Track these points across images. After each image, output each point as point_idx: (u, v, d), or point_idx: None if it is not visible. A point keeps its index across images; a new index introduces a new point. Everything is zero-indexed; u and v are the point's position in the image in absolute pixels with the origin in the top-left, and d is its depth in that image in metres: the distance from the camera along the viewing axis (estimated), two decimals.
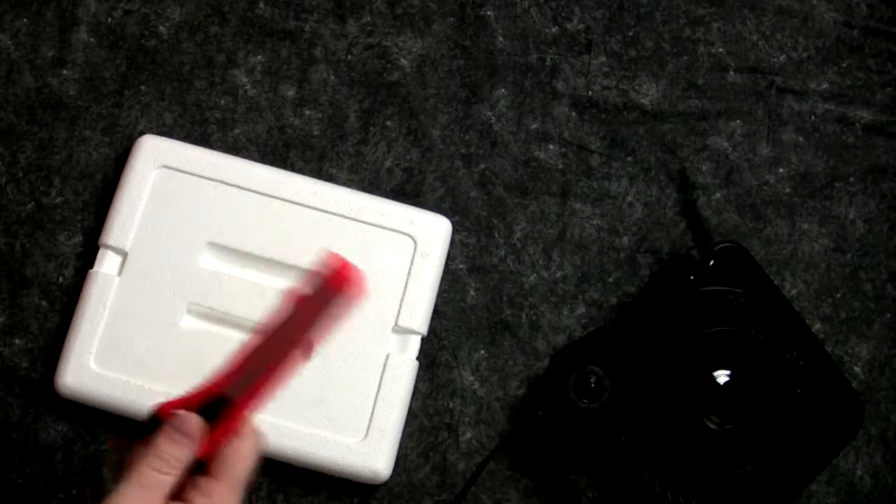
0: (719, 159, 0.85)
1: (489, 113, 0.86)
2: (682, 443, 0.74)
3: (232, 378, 0.49)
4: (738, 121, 0.86)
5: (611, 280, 0.82)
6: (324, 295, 0.50)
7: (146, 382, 0.76)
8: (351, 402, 0.76)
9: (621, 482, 0.77)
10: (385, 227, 0.80)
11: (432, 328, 0.80)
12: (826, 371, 0.75)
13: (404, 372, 0.77)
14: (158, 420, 0.48)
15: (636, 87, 0.87)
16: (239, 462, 0.47)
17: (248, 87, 0.86)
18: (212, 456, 0.49)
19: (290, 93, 0.86)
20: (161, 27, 0.87)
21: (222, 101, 0.85)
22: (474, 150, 0.85)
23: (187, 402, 0.49)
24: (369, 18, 0.87)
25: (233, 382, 0.49)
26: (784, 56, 0.88)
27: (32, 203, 0.82)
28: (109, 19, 0.87)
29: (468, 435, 0.79)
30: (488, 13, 0.88)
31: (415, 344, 0.78)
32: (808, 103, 0.87)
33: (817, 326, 0.82)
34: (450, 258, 0.82)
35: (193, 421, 0.47)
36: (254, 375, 0.50)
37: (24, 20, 0.86)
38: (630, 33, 0.88)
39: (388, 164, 0.84)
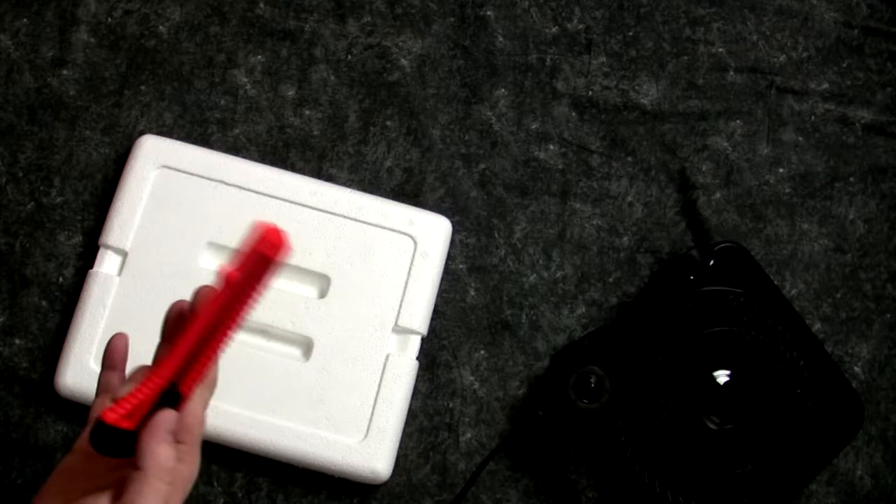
0: (719, 159, 0.85)
1: (489, 113, 0.86)
2: (682, 443, 0.74)
3: (176, 366, 0.51)
4: (738, 121, 0.86)
5: (611, 280, 0.82)
6: (257, 266, 0.51)
7: None
8: (351, 402, 0.76)
9: (621, 482, 0.77)
10: (385, 227, 0.80)
11: (432, 328, 0.80)
12: (826, 371, 0.75)
13: (404, 372, 0.77)
14: (109, 428, 0.49)
15: (636, 87, 0.87)
16: (197, 422, 0.52)
17: (248, 87, 0.86)
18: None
19: (290, 93, 0.86)
20: (161, 27, 0.87)
21: (222, 101, 0.85)
22: (474, 150, 0.85)
23: (140, 404, 0.50)
24: (369, 18, 0.88)
25: (177, 370, 0.50)
26: (784, 56, 0.88)
27: (32, 203, 0.83)
28: (109, 19, 0.87)
29: (468, 435, 0.79)
30: (488, 13, 0.88)
31: (415, 344, 0.78)
32: (808, 103, 0.87)
33: (817, 326, 0.82)
34: (450, 258, 0.82)
35: (170, 417, 0.50)
36: (196, 359, 0.51)
37: (24, 20, 0.86)
38: (630, 33, 0.88)
39: (388, 164, 0.84)
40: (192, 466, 0.52)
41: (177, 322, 0.54)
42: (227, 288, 0.50)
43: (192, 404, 0.52)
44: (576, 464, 0.79)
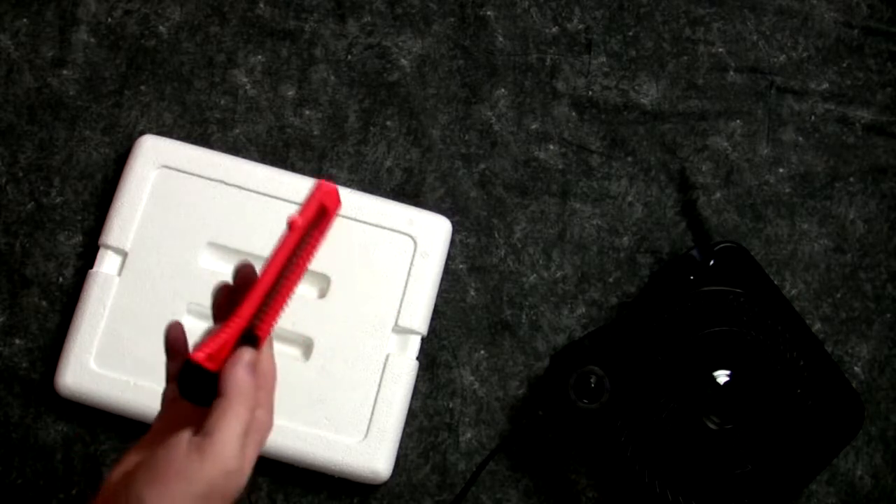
0: (719, 159, 0.85)
1: (489, 113, 0.86)
2: (682, 443, 0.74)
3: (253, 309, 0.54)
4: (738, 121, 0.86)
5: (611, 280, 0.82)
6: (318, 217, 0.57)
7: (146, 382, 0.76)
8: (351, 402, 0.76)
9: (621, 482, 0.77)
10: (385, 227, 0.80)
11: (432, 328, 0.80)
12: (826, 371, 0.75)
13: (404, 372, 0.77)
14: (195, 367, 0.52)
15: (636, 87, 0.87)
16: (271, 372, 0.55)
17: (248, 87, 0.86)
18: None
19: (290, 93, 0.86)
20: (161, 27, 0.87)
21: (222, 101, 0.85)
22: (474, 150, 0.85)
23: (223, 344, 0.53)
24: (369, 18, 0.88)
25: (254, 313, 0.54)
26: (784, 56, 0.88)
27: (32, 203, 0.82)
28: (109, 19, 0.87)
29: (468, 435, 0.79)
30: (488, 13, 0.88)
31: (415, 344, 0.78)
32: (808, 103, 0.87)
33: (817, 326, 0.82)
34: (450, 258, 0.82)
35: (252, 354, 0.53)
36: (270, 303, 0.55)
37: (24, 20, 0.86)
38: (630, 33, 0.88)
39: (388, 164, 0.84)
40: (269, 415, 0.54)
41: (228, 299, 0.57)
42: (294, 234, 0.55)
43: (266, 354, 0.55)
44: (576, 464, 0.79)
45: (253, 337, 0.54)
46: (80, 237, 0.82)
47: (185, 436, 0.51)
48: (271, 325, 0.55)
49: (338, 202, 0.58)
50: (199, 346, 0.53)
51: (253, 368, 0.53)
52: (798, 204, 0.84)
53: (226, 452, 0.50)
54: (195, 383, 0.52)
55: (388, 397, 0.76)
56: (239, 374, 0.52)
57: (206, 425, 0.51)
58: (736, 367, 0.74)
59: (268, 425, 0.54)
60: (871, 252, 0.84)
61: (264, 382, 0.54)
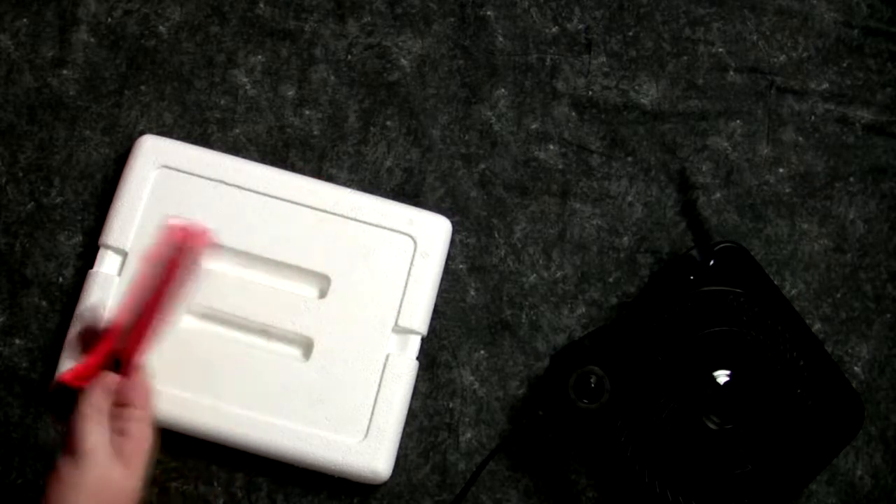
0: (719, 159, 0.85)
1: (489, 113, 0.86)
2: (682, 443, 0.74)
3: (117, 336, 0.64)
4: (738, 121, 0.86)
5: (611, 280, 0.82)
6: (176, 254, 0.64)
7: None
8: (351, 402, 0.76)
9: (621, 482, 0.77)
10: (385, 227, 0.80)
11: (432, 328, 0.80)
12: (826, 371, 0.75)
13: (404, 372, 0.77)
14: (63, 387, 0.63)
15: (636, 87, 0.87)
16: (145, 391, 0.64)
17: (248, 87, 0.86)
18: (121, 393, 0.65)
19: (290, 93, 0.86)
20: (161, 27, 0.87)
21: (222, 101, 0.85)
22: (474, 150, 0.85)
23: (90, 365, 0.64)
24: (369, 18, 0.88)
25: (119, 338, 0.64)
26: (784, 56, 0.88)
27: (32, 203, 0.82)
28: (109, 19, 0.87)
29: (468, 435, 0.79)
30: (488, 13, 0.88)
31: (415, 344, 0.78)
32: (808, 103, 0.87)
33: (817, 326, 0.82)
34: (450, 258, 0.82)
35: (111, 378, 0.63)
36: (134, 329, 0.65)
37: (24, 20, 0.86)
38: (630, 33, 0.88)
39: (388, 164, 0.84)
40: (145, 429, 0.63)
41: (88, 335, 0.66)
42: (146, 268, 0.64)
43: (139, 376, 0.65)
44: (576, 464, 0.79)
45: (118, 363, 0.65)
46: (80, 237, 0.82)
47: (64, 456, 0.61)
48: (136, 351, 0.65)
49: (202, 241, 0.65)
50: (69, 371, 0.64)
51: (108, 390, 0.62)
52: (798, 204, 0.84)
53: (97, 459, 0.60)
54: (61, 399, 0.64)
55: (388, 397, 0.76)
56: (94, 395, 0.62)
57: (70, 442, 0.61)
58: (736, 367, 0.74)
59: (145, 437, 0.63)
60: (871, 252, 0.84)
61: (138, 400, 0.63)
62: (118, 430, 0.63)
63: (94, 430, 0.61)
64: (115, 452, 0.61)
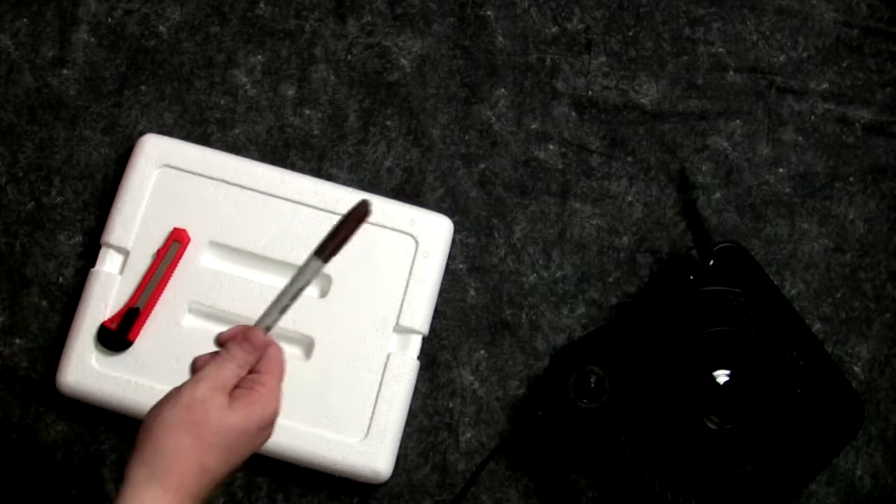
0: (719, 159, 0.85)
1: (489, 113, 0.86)
2: (682, 443, 0.74)
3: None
4: (738, 121, 0.86)
5: (611, 280, 0.82)
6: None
7: (148, 381, 0.76)
8: (352, 402, 0.76)
9: (621, 482, 0.77)
10: (386, 227, 0.80)
11: (432, 328, 0.80)
12: (826, 371, 0.75)
13: (405, 371, 0.77)
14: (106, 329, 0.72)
15: (636, 87, 0.87)
16: (278, 361, 0.62)
17: (248, 86, 0.86)
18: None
19: (290, 92, 0.86)
20: (161, 27, 0.87)
21: (222, 101, 0.85)
22: (474, 150, 0.85)
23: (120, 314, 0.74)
24: (369, 18, 0.88)
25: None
26: (784, 56, 0.88)
27: (32, 203, 0.82)
28: (109, 19, 0.87)
29: (468, 435, 0.79)
30: (488, 13, 0.88)
31: (416, 343, 0.78)
32: (808, 103, 0.87)
33: (817, 326, 0.82)
34: (450, 258, 0.82)
35: (258, 334, 0.61)
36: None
37: (24, 20, 0.86)
38: (630, 33, 0.88)
39: (388, 163, 0.84)
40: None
41: None
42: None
43: (275, 348, 0.63)
44: (576, 464, 0.79)
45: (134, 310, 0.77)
46: (80, 237, 0.82)
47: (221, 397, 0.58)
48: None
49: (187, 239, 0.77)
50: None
51: (257, 350, 0.61)
52: (798, 204, 0.85)
53: (216, 389, 0.58)
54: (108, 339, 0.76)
55: (388, 397, 0.76)
56: (245, 347, 0.60)
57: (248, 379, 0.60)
58: (736, 367, 0.74)
59: (268, 405, 0.60)
60: (871, 252, 0.84)
61: (275, 369, 0.62)
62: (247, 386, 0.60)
63: (230, 370, 0.58)
64: (235, 399, 0.58)
